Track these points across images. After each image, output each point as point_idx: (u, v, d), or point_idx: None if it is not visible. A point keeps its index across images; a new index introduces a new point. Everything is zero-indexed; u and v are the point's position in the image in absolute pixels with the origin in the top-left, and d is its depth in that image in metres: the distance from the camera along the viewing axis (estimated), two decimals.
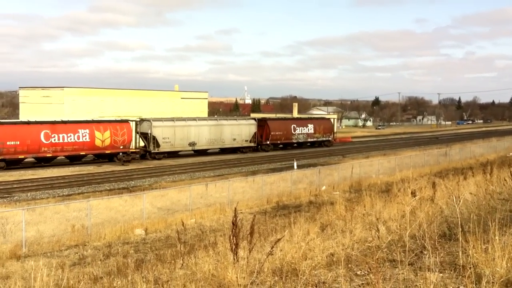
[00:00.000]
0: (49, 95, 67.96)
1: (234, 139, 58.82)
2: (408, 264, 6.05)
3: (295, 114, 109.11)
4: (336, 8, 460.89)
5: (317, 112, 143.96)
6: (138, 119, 54.30)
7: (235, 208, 7.28)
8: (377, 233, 8.00)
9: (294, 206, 25.10)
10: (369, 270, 5.96)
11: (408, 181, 16.81)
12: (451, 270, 5.80)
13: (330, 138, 70.97)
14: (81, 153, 47.78)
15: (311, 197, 27.55)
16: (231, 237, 6.81)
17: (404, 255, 6.29)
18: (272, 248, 6.83)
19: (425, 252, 6.43)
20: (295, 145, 66.92)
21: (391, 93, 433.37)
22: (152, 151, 51.81)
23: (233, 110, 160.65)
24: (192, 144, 54.96)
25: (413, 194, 10.88)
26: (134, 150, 50.76)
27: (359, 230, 9.36)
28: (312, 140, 68.25)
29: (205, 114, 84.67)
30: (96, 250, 16.70)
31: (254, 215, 9.53)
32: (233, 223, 6.90)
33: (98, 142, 48.02)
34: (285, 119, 71.48)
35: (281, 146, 65.55)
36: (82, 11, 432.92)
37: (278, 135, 63.53)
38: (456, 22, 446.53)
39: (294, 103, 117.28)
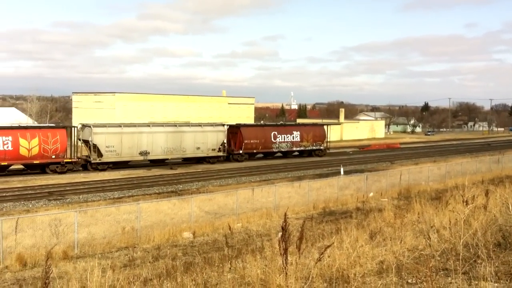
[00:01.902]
0: (101, 100, 69.87)
1: (198, 148, 52.28)
2: (462, 273, 5.91)
3: (342, 119, 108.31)
4: (383, 13, 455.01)
5: (364, 118, 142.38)
6: (80, 125, 49.16)
7: (285, 213, 7.30)
8: (428, 241, 7.84)
9: (341, 212, 24.86)
10: (421, 278, 5.86)
11: (460, 188, 16.41)
12: (507, 280, 5.64)
13: (322, 147, 63.49)
14: (2, 164, 41.50)
15: (358, 203, 27.21)
16: (281, 242, 6.83)
17: (457, 264, 6.15)
18: (321, 254, 6.80)
19: (479, 261, 6.27)
20: (280, 154, 60.63)
21: (441, 99, 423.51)
22: (93, 161, 45.79)
23: (279, 115, 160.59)
24: (144, 153, 48.48)
25: (466, 202, 10.62)
26: (69, 160, 44.74)
27: (409, 237, 9.21)
28: (298, 149, 61.41)
29: (251, 119, 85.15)
30: (146, 252, 17.00)
31: (303, 221, 9.51)
32: (282, 228, 6.92)
33: (23, 151, 42.01)
34: (264, 125, 64.55)
35: (260, 155, 59.08)
36: (132, 19, 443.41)
37: (253, 143, 56.68)
38: (508, 27, 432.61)
39: (340, 109, 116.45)
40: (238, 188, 31.18)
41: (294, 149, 60.92)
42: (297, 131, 61.14)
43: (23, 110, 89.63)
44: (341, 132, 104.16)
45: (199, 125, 54.90)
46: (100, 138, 45.74)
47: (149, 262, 15.23)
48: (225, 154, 54.41)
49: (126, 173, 44.93)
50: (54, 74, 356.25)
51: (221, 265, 10.81)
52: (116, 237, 19.57)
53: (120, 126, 48.73)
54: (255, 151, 57.24)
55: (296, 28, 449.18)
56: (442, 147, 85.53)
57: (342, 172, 42.15)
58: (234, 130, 56.84)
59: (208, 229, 20.87)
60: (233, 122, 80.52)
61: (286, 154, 60.95)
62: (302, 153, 62.03)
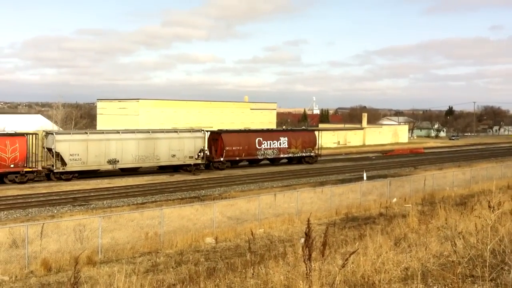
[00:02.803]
0: (125, 106, 70.63)
1: (174, 155, 49.18)
2: (489, 280, 5.81)
3: (365, 124, 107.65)
4: (406, 17, 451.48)
5: (387, 122, 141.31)
6: (44, 132, 46.65)
7: (308, 219, 7.26)
8: (454, 247, 7.73)
9: (364, 218, 24.65)
10: (447, 285, 5.76)
11: (485, 194, 16.16)
12: None
13: (312, 154, 60.25)
14: None
15: (382, 209, 26.98)
16: (304, 248, 6.79)
17: (484, 271, 6.04)
18: (346, 260, 6.74)
19: (507, 268, 6.15)
20: (267, 161, 57.67)
21: (465, 103, 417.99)
22: (55, 170, 42.80)
23: (301, 120, 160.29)
24: (113, 161, 45.59)
25: (492, 207, 10.45)
26: (30, 170, 41.87)
27: (434, 243, 9.09)
28: (286, 156, 58.41)
29: (274, 124, 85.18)
30: (168, 258, 17.07)
31: (326, 227, 9.46)
32: (306, 234, 6.89)
33: None
34: (247, 131, 60.21)
35: (245, 163, 56.27)
36: (155, 25, 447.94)
37: (235, 150, 53.63)
38: None
39: (363, 113, 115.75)
40: (260, 194, 31.16)
41: (282, 156, 58.04)
42: (284, 137, 58.16)
43: (49, 117, 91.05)
44: (363, 137, 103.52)
45: (175, 131, 52.26)
46: (63, 146, 43.11)
47: (172, 267, 15.29)
48: (204, 162, 51.43)
49: (149, 178, 45.28)
50: (79, 81, 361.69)
51: (244, 270, 10.80)
52: (140, 242, 19.69)
53: (86, 133, 46.31)
54: (237, 158, 54.28)
55: (318, 32, 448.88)
56: (466, 151, 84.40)
57: (365, 178, 41.84)
58: (215, 137, 54.27)
59: (230, 235, 20.88)
60: (256, 127, 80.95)
61: (274, 161, 58.20)
62: (291, 160, 59.35)
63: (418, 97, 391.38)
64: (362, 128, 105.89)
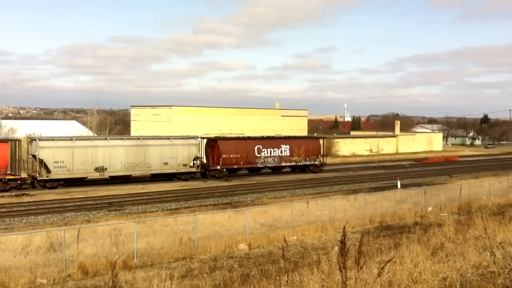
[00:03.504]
0: (159, 113, 71.55)
1: (166, 163, 47.42)
2: None
3: (397, 132, 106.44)
4: (438, 23, 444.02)
5: (420, 130, 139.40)
6: (29, 139, 45.51)
7: (344, 227, 7.27)
8: (493, 258, 7.62)
9: (399, 227, 24.36)
10: None
11: None
12: None
13: (316, 162, 57.88)
14: None
15: (417, 218, 26.60)
16: (339, 257, 6.80)
17: None
18: (381, 269, 6.73)
19: None
20: (268, 170, 55.57)
21: (501, 110, 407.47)
22: (39, 178, 41.28)
23: (333, 127, 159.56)
24: (100, 169, 43.97)
25: None
26: (13, 178, 40.34)
27: (472, 253, 8.97)
28: (288, 164, 56.32)
29: (305, 131, 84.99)
30: (202, 263, 17.20)
31: (361, 235, 9.42)
32: (341, 242, 6.90)
33: None
34: (246, 138, 57.35)
35: (245, 171, 54.23)
36: (187, 33, 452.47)
37: (233, 158, 51.57)
38: None
39: (396, 121, 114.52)
40: (293, 201, 31.13)
41: (283, 164, 55.87)
42: (286, 145, 55.75)
43: (84, 123, 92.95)
44: (396, 145, 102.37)
45: (168, 138, 50.60)
46: (47, 153, 41.66)
47: (206, 273, 15.40)
48: (198, 170, 49.87)
49: (182, 184, 45.74)
50: (113, 88, 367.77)
51: (277, 278, 10.81)
52: (174, 247, 19.90)
53: (72, 140, 44.76)
54: (235, 166, 52.18)
55: (348, 39, 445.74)
56: (503, 160, 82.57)
57: (399, 186, 41.39)
58: (211, 144, 52.32)
59: (263, 241, 20.91)
60: (286, 134, 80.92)
61: (275, 170, 55.96)
62: (294, 169, 57.23)
63: (452, 104, 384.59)
64: (395, 136, 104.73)
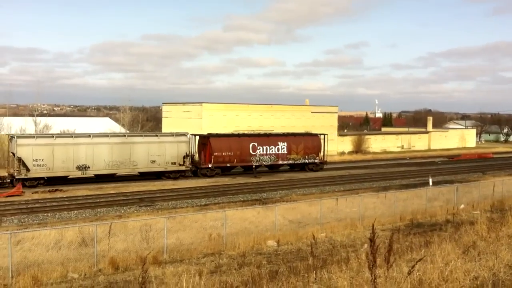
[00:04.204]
0: (189, 110, 72.06)
1: (153, 161, 45.56)
2: None
3: (430, 128, 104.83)
4: (472, 18, 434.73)
5: (453, 126, 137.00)
6: (9, 136, 44.20)
7: (373, 225, 7.19)
8: None
9: (430, 224, 24.01)
10: None
11: None
12: None
13: (316, 160, 55.17)
14: None
15: (448, 215, 26.16)
16: (369, 254, 6.72)
17: None
18: (412, 267, 6.63)
19: None
20: (266, 168, 53.50)
21: None
22: (17, 177, 39.77)
23: (363, 124, 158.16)
24: (82, 167, 42.35)
25: None
26: None
27: (505, 252, 8.77)
28: (286, 162, 53.86)
29: (335, 128, 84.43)
30: (231, 259, 17.26)
31: (391, 233, 9.32)
32: (370, 240, 6.82)
33: None
34: (240, 135, 54.38)
35: (240, 169, 52.35)
36: (217, 30, 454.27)
37: (225, 156, 49.60)
38: None
39: (428, 117, 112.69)
40: (322, 198, 31.00)
41: (281, 162, 53.45)
42: (283, 142, 53.34)
43: (117, 120, 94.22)
44: (429, 141, 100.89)
45: (155, 134, 49.35)
46: (25, 151, 40.31)
47: (235, 269, 15.45)
48: (188, 168, 47.90)
49: (212, 180, 46.01)
50: (144, 85, 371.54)
51: (306, 275, 10.78)
52: (203, 243, 20.03)
53: (52, 137, 43.23)
54: (228, 165, 50.14)
55: (380, 35, 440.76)
56: None
57: (430, 183, 40.80)
58: (204, 141, 50.34)
59: (292, 238, 20.87)
60: (317, 131, 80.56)
61: (272, 168, 53.86)
62: (292, 167, 55.13)
63: (486, 100, 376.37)
64: (427, 132, 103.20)
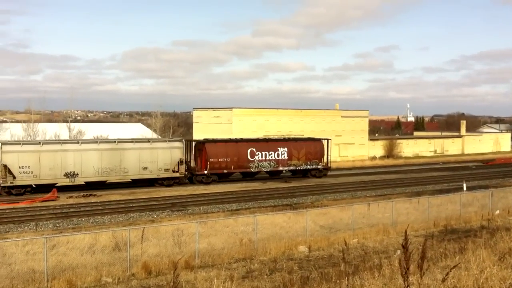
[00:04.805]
0: (219, 115, 72.54)
1: (145, 168, 44.09)
2: None
3: (463, 132, 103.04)
4: (504, 19, 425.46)
5: (487, 130, 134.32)
6: None
7: (405, 231, 7.12)
8: None
9: (464, 230, 23.59)
10: None
11: None
12: None
13: (319, 166, 53.24)
14: None
15: (483, 221, 25.66)
16: (401, 261, 6.67)
17: None
18: (446, 275, 6.54)
19: None
20: (266, 175, 52.00)
21: None
22: (3, 184, 39.20)
23: (395, 128, 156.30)
24: (71, 175, 41.25)
25: None
26: None
27: None
28: (287, 168, 52.03)
29: (366, 132, 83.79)
30: (262, 265, 17.27)
31: (424, 239, 9.21)
32: (403, 246, 6.77)
33: None
34: (238, 140, 52.62)
35: (238, 176, 50.92)
36: (246, 36, 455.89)
37: (222, 162, 48.01)
38: None
39: (461, 121, 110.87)
40: (353, 203, 30.76)
41: (281, 168, 51.68)
42: (283, 147, 51.57)
43: (148, 126, 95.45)
44: (462, 146, 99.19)
45: (148, 140, 47.71)
46: (11, 158, 39.51)
47: (266, 274, 15.47)
48: (182, 175, 46.19)
49: (243, 185, 46.15)
50: (175, 91, 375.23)
51: (338, 281, 10.73)
52: (234, 248, 20.08)
53: (39, 143, 42.29)
54: (225, 171, 48.59)
55: (410, 38, 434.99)
56: None
57: (464, 188, 40.10)
58: (199, 147, 48.67)
59: (323, 244, 20.78)
60: (347, 136, 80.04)
61: (273, 175, 52.27)
62: (294, 173, 53.27)
63: None
64: (460, 136, 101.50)
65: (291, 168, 52.41)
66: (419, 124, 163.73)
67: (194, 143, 50.07)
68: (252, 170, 50.27)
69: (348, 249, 17.93)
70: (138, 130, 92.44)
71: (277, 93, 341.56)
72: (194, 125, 78.48)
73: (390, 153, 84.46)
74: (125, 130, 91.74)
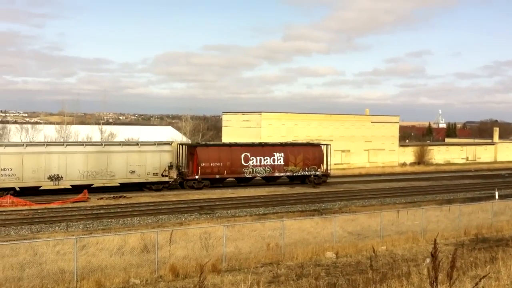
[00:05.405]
0: (249, 119, 72.74)
1: (133, 172, 42.85)
2: None
3: (496, 139, 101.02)
4: None
5: None
6: None
7: (435, 239, 7.02)
8: None
9: (495, 239, 23.10)
10: None
11: None
12: None
13: (318, 172, 51.58)
14: None
15: None
16: (430, 270, 6.58)
17: None
18: (476, 284, 6.43)
19: None
20: (263, 181, 50.87)
21: None
22: None
23: (426, 134, 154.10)
24: (55, 177, 40.14)
25: None
26: None
27: None
28: (283, 174, 50.61)
29: (396, 138, 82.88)
30: (289, 270, 17.21)
31: (455, 248, 9.06)
32: (432, 255, 6.68)
33: None
34: (231, 145, 51.88)
35: (232, 181, 49.48)
36: (277, 40, 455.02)
37: (214, 167, 46.73)
38: None
39: (494, 128, 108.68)
40: (382, 210, 30.45)
41: (277, 174, 50.34)
42: (280, 153, 50.11)
43: (178, 129, 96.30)
44: (495, 153, 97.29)
45: (136, 143, 46.79)
46: None
47: (293, 280, 15.40)
48: (172, 180, 44.92)
49: (270, 190, 46.13)
50: (205, 94, 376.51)
51: None
52: (261, 252, 20.05)
53: (23, 145, 41.25)
54: (217, 176, 47.25)
55: (443, 43, 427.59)
56: None
57: (496, 196, 39.32)
58: (191, 151, 47.52)
59: (351, 250, 20.59)
60: (377, 142, 79.27)
61: (269, 181, 50.96)
62: (292, 180, 51.99)
63: None
64: (493, 143, 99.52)
65: (288, 174, 51.03)
66: (451, 131, 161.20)
67: (185, 147, 48.98)
68: (246, 175, 49.01)
69: (376, 256, 17.74)
70: (168, 133, 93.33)
71: (306, 98, 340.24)
72: (223, 129, 78.87)
73: (421, 159, 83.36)
74: (156, 133, 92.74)
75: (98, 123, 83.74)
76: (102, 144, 44.58)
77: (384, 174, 66.78)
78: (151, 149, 44.59)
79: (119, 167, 42.60)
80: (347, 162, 75.69)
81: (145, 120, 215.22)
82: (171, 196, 41.38)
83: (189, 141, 70.39)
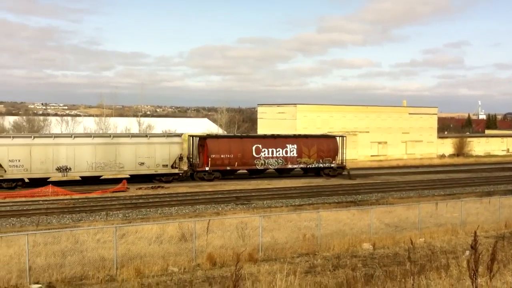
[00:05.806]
0: (284, 111, 72.66)
1: (142, 164, 42.87)
2: None
3: None
4: None
5: None
6: None
7: (475, 232, 6.94)
8: None
9: None
10: None
11: None
12: None
13: (333, 165, 50.78)
14: None
15: None
16: (470, 262, 6.51)
17: None
18: None
19: None
20: (276, 173, 50.26)
21: None
22: None
23: (465, 126, 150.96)
24: (63, 169, 40.44)
25: None
26: None
27: None
28: (296, 166, 49.96)
29: (434, 130, 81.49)
30: (325, 260, 17.23)
31: (496, 240, 8.93)
32: (472, 247, 6.61)
33: None
34: (242, 136, 51.17)
35: (243, 172, 48.90)
36: (311, 32, 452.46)
37: (224, 158, 46.52)
38: None
39: None
40: (420, 202, 30.04)
41: (290, 166, 49.70)
42: (292, 144, 49.45)
43: (214, 121, 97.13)
44: None
45: (145, 135, 46.82)
46: (1, 151, 38.98)
47: (329, 270, 15.42)
48: (182, 171, 44.80)
49: (306, 181, 46.07)
50: (241, 87, 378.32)
51: (403, 280, 10.57)
52: (297, 243, 20.12)
53: (31, 137, 41.28)
54: (228, 168, 47.00)
55: (482, 33, 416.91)
56: None
57: None
58: (202, 143, 47.34)
59: (388, 242, 20.45)
60: (415, 133, 78.08)
61: (281, 173, 50.39)
62: (306, 172, 51.20)
63: None
64: None
65: (301, 166, 50.37)
66: (491, 122, 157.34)
67: (196, 138, 48.77)
68: (258, 167, 48.61)
69: (414, 248, 17.54)
70: (205, 125, 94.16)
71: (342, 90, 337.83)
72: (259, 121, 79.02)
73: (460, 151, 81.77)
74: (192, 124, 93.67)
75: (136, 116, 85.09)
76: (110, 136, 44.69)
77: (422, 166, 65.76)
78: (160, 141, 44.55)
79: (128, 159, 42.70)
80: (384, 154, 74.88)
81: (181, 112, 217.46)
82: (207, 186, 41.80)
83: (225, 133, 70.74)
